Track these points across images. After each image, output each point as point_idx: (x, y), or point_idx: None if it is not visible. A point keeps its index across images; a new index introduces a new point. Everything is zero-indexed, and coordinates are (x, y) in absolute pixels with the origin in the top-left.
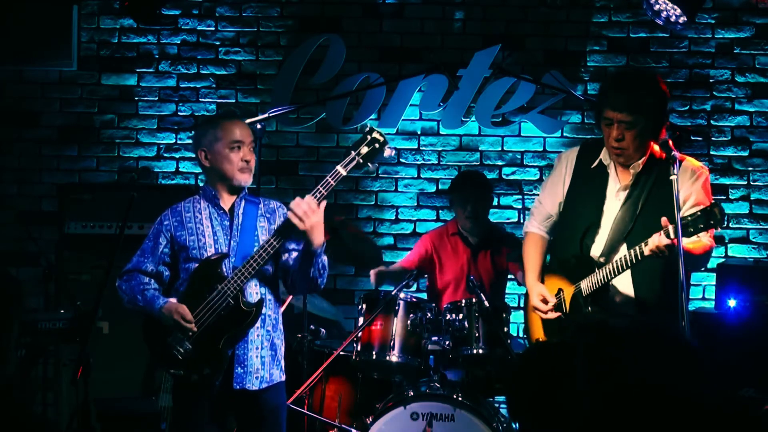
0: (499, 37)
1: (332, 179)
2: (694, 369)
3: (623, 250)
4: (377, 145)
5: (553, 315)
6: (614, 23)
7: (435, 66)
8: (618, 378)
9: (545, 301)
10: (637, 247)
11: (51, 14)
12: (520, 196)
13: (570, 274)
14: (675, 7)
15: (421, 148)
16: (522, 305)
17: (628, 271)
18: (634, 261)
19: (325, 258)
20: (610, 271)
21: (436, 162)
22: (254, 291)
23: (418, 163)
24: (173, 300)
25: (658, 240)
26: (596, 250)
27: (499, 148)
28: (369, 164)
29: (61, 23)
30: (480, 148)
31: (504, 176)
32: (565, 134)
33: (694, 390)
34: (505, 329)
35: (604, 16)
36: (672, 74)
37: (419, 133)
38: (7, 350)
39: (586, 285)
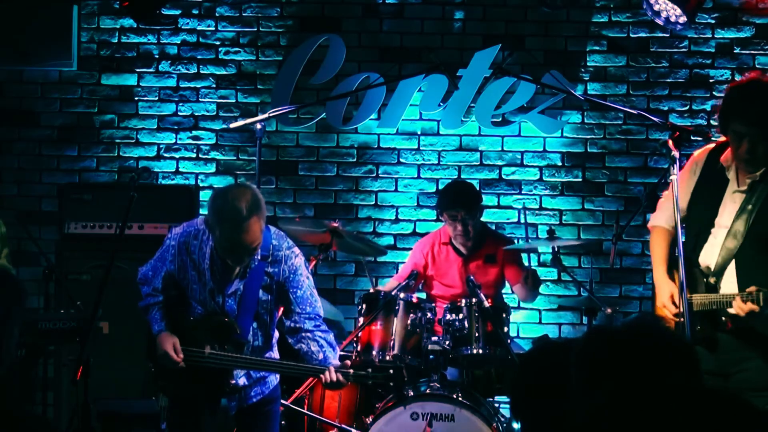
0: (499, 37)
1: (343, 378)
2: (692, 368)
3: (731, 267)
4: (391, 384)
5: (678, 319)
6: (614, 23)
7: (435, 66)
8: (614, 380)
9: (674, 303)
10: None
11: (51, 14)
12: (520, 196)
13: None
14: (675, 7)
15: (421, 148)
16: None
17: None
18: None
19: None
20: (719, 302)
21: (436, 162)
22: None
23: (418, 163)
24: (169, 334)
25: (738, 308)
26: (707, 259)
27: (499, 148)
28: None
29: (61, 23)
30: (480, 148)
31: (504, 176)
32: (565, 134)
33: (692, 389)
34: (505, 329)
35: (604, 16)
36: (672, 74)
37: (419, 133)
38: (8, 350)
39: (697, 301)
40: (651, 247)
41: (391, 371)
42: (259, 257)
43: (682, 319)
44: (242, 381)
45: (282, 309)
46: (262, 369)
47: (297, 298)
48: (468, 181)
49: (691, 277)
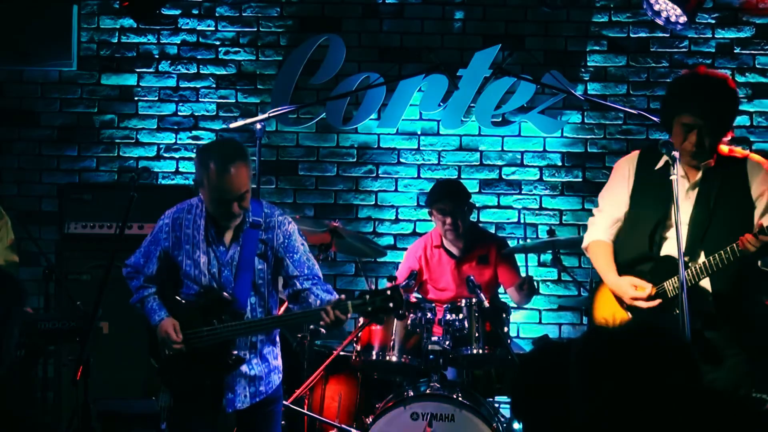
0: (499, 37)
1: (342, 313)
2: (692, 368)
3: (702, 252)
4: (391, 305)
5: (654, 303)
6: (614, 23)
7: (435, 66)
8: (614, 380)
9: (640, 290)
10: (728, 248)
11: (51, 14)
12: (520, 196)
13: (642, 274)
14: (675, 7)
15: (421, 148)
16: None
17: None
18: (732, 259)
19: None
20: (697, 274)
21: (436, 162)
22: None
23: (418, 163)
24: (170, 317)
25: (749, 245)
26: (673, 251)
27: (499, 148)
28: (371, 317)
29: (61, 23)
30: (480, 148)
31: (504, 176)
32: (565, 134)
33: (692, 389)
34: (505, 329)
35: (604, 16)
36: (672, 74)
37: (419, 133)
38: (8, 350)
39: (671, 286)
40: (593, 260)
41: (389, 292)
42: (250, 220)
43: (658, 302)
44: (244, 369)
45: (282, 309)
46: (260, 330)
47: (294, 262)
48: (461, 180)
49: (657, 271)
